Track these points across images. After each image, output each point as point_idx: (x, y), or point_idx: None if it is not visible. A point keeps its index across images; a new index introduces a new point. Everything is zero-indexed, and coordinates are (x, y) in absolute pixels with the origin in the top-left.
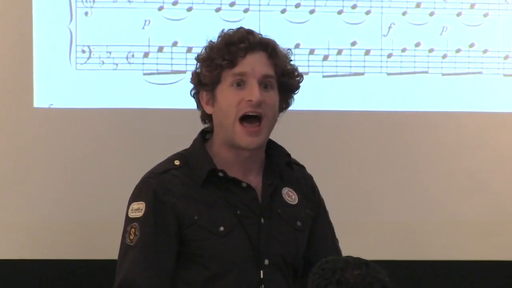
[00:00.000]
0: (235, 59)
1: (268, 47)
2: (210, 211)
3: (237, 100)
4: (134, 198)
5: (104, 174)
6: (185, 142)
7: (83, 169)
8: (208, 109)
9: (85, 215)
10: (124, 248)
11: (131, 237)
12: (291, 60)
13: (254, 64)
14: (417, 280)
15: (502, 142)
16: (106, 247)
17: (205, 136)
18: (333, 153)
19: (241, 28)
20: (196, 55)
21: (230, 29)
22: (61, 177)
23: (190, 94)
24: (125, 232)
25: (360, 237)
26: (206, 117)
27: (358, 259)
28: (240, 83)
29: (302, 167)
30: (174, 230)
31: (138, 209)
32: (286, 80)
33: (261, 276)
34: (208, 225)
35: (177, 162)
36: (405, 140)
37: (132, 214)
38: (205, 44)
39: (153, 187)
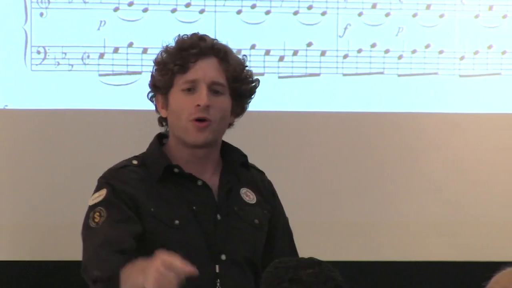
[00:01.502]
0: (186, 65)
1: (219, 53)
2: (166, 205)
3: (188, 105)
4: (93, 192)
5: (60, 175)
6: (140, 142)
7: (38, 170)
8: (163, 113)
9: (40, 217)
10: (90, 232)
11: (96, 220)
12: (246, 66)
13: (204, 70)
14: (373, 280)
15: (458, 143)
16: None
17: (161, 140)
18: (288, 154)
19: (195, 33)
20: (151, 56)
21: (185, 34)
22: (15, 178)
23: (147, 97)
24: (88, 218)
25: (315, 237)
26: (162, 120)
27: (311, 258)
28: (191, 89)
29: (261, 173)
30: (134, 214)
31: (99, 195)
32: (238, 86)
33: (217, 271)
34: (164, 218)
35: (134, 162)
36: (361, 140)
37: (92, 202)
38: (161, 45)
39: (111, 177)
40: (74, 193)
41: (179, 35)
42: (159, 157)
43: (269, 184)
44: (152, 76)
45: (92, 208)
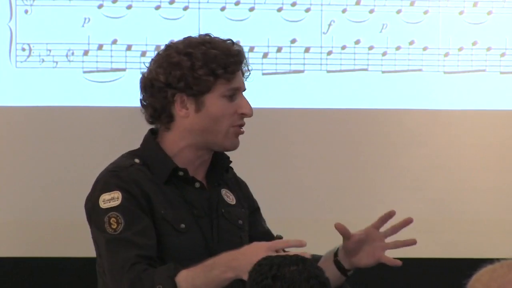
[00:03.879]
0: (234, 72)
1: (244, 64)
2: (172, 208)
3: (231, 111)
4: (102, 190)
5: (43, 172)
6: (125, 139)
7: (22, 167)
8: (183, 112)
9: (21, 214)
10: (110, 237)
11: (114, 226)
12: None
13: (241, 79)
14: (356, 277)
15: (442, 140)
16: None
17: (154, 136)
18: (272, 151)
19: (230, 39)
20: (135, 53)
21: (216, 36)
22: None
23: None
24: (103, 223)
25: (299, 235)
26: (167, 118)
27: (296, 255)
28: (232, 96)
29: (230, 168)
30: (150, 216)
31: (113, 198)
32: None
33: None
34: (172, 221)
35: (137, 160)
36: (345, 137)
37: (106, 205)
38: (145, 42)
39: (123, 178)
40: (56, 189)
41: (207, 34)
42: (162, 158)
43: (237, 176)
44: (181, 74)
45: (105, 212)
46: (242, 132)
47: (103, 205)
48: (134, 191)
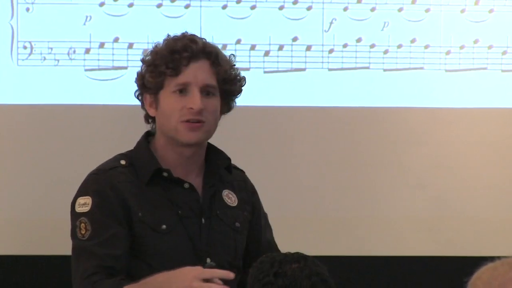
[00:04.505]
0: (179, 68)
1: (211, 56)
2: (153, 210)
3: (179, 107)
4: (80, 193)
5: (44, 170)
6: (127, 137)
7: (23, 166)
8: (152, 112)
9: (22, 212)
10: (78, 243)
11: (83, 232)
12: (234, 65)
13: (197, 72)
14: (357, 275)
15: (443, 138)
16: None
17: (148, 138)
18: (273, 149)
19: (185, 34)
20: (137, 51)
21: (174, 35)
22: (0, 173)
23: (134, 95)
24: (75, 227)
25: (300, 233)
26: (149, 118)
27: (297, 253)
28: (182, 90)
29: (241, 171)
30: (124, 222)
31: (85, 203)
32: (228, 87)
33: None
34: (152, 222)
35: (123, 162)
36: (347, 135)
37: (79, 209)
38: (146, 40)
39: (100, 182)
40: (58, 187)
41: (168, 35)
42: (148, 159)
43: (249, 182)
44: (140, 75)
45: (78, 216)
46: (196, 127)
47: (77, 208)
48: (108, 197)
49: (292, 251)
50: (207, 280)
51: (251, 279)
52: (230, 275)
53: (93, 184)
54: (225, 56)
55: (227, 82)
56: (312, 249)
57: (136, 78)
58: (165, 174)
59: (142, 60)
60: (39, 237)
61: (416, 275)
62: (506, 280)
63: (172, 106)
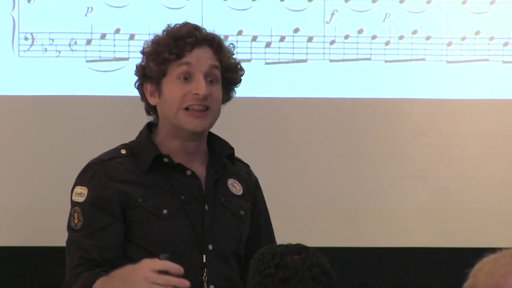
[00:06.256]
0: (182, 53)
1: (214, 43)
2: (154, 195)
3: (183, 93)
4: (78, 181)
5: (45, 161)
6: (128, 128)
7: (24, 157)
8: (153, 101)
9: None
10: (70, 234)
11: (75, 221)
12: (234, 54)
13: (200, 59)
14: (360, 266)
15: (445, 129)
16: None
17: (151, 128)
18: (275, 140)
19: (187, 23)
20: (138, 42)
21: (176, 23)
22: (3, 164)
23: (135, 86)
24: (70, 215)
25: (301, 223)
26: (150, 109)
27: (298, 245)
28: (186, 77)
29: (247, 165)
30: (119, 213)
31: (81, 193)
32: (229, 75)
33: (204, 261)
34: (152, 208)
35: (123, 151)
36: (348, 127)
37: (75, 198)
38: (148, 31)
39: (97, 173)
40: (59, 178)
41: (168, 24)
42: (148, 146)
43: (254, 176)
44: (140, 66)
45: (73, 205)
46: (201, 115)
47: (74, 197)
48: (103, 188)
49: (294, 242)
50: (164, 272)
51: (252, 270)
52: (180, 270)
53: (90, 174)
54: (226, 45)
55: (229, 70)
56: (313, 241)
57: (135, 70)
58: (165, 159)
59: (142, 52)
60: (39, 228)
61: (418, 266)
62: (508, 271)
63: (175, 93)
